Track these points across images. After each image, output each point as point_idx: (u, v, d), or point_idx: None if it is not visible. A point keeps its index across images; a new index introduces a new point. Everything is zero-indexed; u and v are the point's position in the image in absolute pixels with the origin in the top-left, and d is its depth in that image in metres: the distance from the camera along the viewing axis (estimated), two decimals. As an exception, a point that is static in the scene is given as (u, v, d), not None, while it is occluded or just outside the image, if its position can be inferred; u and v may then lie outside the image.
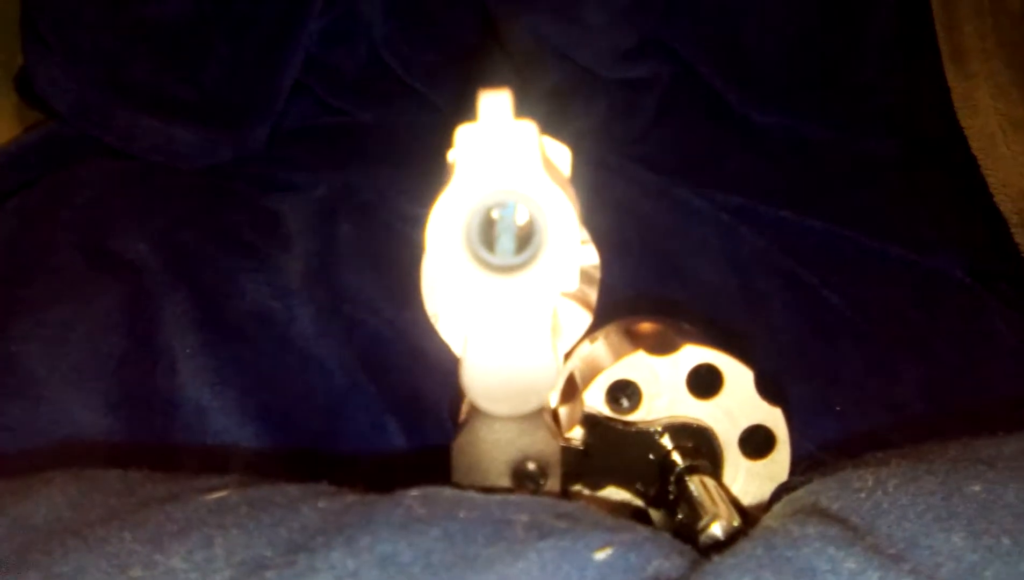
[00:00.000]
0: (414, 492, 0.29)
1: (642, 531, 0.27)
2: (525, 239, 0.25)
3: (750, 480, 0.36)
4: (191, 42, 0.79)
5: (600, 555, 0.24)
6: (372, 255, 0.69)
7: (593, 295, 0.44)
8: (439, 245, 0.24)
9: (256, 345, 0.59)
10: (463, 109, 0.82)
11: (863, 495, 0.28)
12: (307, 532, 0.26)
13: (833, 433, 0.60)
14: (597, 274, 0.44)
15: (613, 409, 0.36)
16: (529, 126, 0.24)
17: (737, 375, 0.36)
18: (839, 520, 0.26)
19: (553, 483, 0.32)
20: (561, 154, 0.30)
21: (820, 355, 0.67)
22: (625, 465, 0.35)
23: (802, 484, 0.35)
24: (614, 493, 0.36)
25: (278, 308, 0.62)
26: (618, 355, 0.36)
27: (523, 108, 0.78)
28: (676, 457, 0.34)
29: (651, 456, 0.35)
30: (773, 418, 0.36)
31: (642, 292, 0.68)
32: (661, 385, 0.36)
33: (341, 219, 0.71)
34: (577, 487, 0.35)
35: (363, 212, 0.72)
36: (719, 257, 0.72)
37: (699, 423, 0.35)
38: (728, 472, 0.36)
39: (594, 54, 0.85)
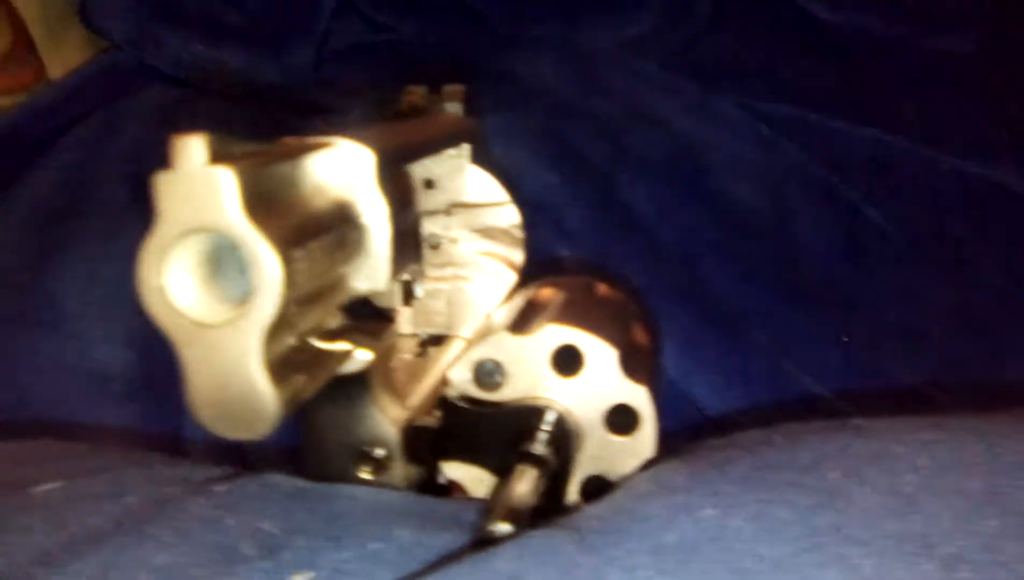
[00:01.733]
0: (251, 487, 0.31)
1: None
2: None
3: (616, 456, 0.37)
4: (236, -36, 0.81)
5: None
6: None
7: (517, 255, 0.45)
8: (147, 293, 0.25)
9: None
10: (512, 19, 0.81)
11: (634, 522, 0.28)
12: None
13: (836, 366, 0.58)
14: (520, 233, 0.45)
15: (481, 386, 0.37)
16: (223, 172, 0.24)
17: (600, 355, 0.36)
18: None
19: (397, 466, 0.34)
20: (361, 160, 0.30)
21: (842, 277, 0.64)
22: (483, 445, 0.36)
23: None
24: (479, 471, 0.37)
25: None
26: (487, 332, 0.37)
27: (569, 17, 0.76)
28: (529, 440, 0.35)
29: (506, 438, 0.36)
30: (637, 397, 0.36)
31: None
32: (524, 363, 0.36)
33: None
34: (447, 463, 0.37)
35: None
36: (752, 174, 0.70)
37: (553, 404, 0.36)
38: (593, 448, 0.36)
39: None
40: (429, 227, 0.44)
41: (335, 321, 0.32)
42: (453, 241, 0.44)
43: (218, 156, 0.25)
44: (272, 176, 0.27)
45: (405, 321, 0.45)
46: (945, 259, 0.66)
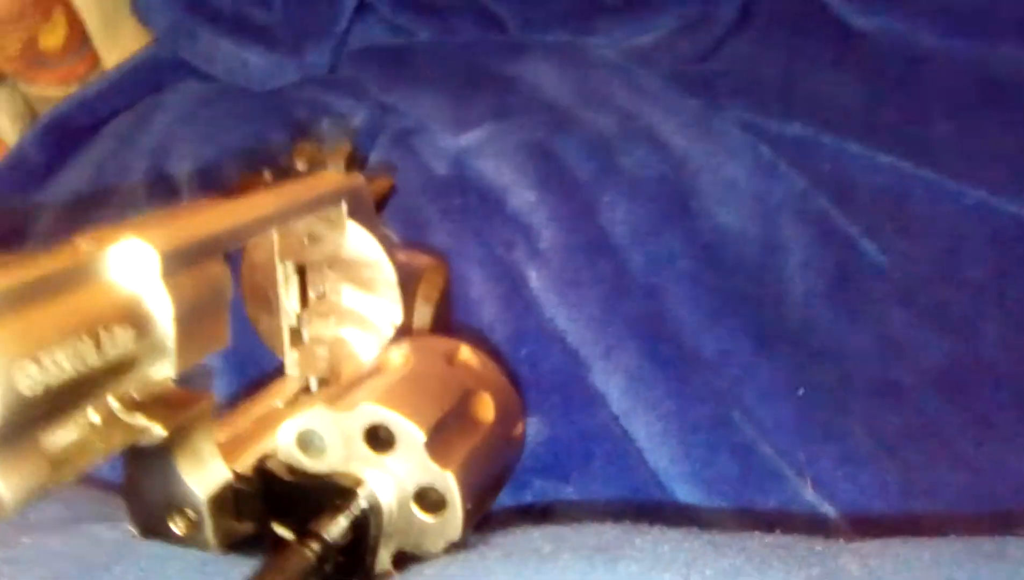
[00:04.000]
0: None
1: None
2: None
3: (425, 535, 0.37)
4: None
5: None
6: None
7: (395, 310, 0.46)
8: None
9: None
10: (527, 23, 0.80)
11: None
12: None
13: (784, 422, 0.56)
14: (395, 291, 0.45)
15: (304, 451, 0.38)
16: None
17: (408, 436, 0.36)
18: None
19: (207, 525, 0.36)
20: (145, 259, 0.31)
21: (822, 324, 0.61)
22: (291, 511, 0.37)
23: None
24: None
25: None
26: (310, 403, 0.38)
27: (583, 20, 0.74)
28: (328, 516, 0.36)
29: (311, 508, 0.37)
30: (443, 481, 0.36)
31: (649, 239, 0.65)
32: (340, 437, 0.37)
33: (373, 148, 0.74)
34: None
35: (396, 141, 0.74)
36: (745, 201, 0.67)
37: (362, 480, 0.36)
38: (404, 523, 0.37)
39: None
40: (313, 278, 0.45)
41: (140, 394, 0.33)
42: (335, 292, 0.45)
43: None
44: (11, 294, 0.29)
45: (292, 363, 0.46)
46: (946, 308, 0.61)
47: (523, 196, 0.66)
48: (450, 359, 0.42)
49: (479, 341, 0.51)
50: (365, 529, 0.36)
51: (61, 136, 0.80)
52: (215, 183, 0.70)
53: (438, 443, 0.36)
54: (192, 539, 0.36)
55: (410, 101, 0.75)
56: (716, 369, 0.58)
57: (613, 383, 0.57)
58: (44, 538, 0.37)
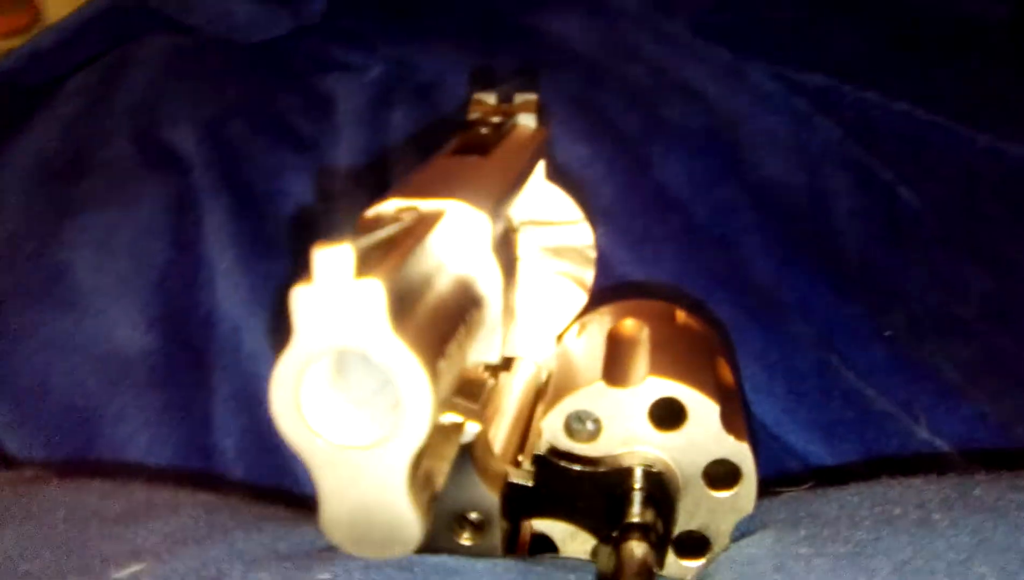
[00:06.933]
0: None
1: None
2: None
3: (713, 511, 0.36)
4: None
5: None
6: (424, 150, 0.67)
7: (588, 275, 0.43)
8: (282, 414, 0.23)
9: (293, 257, 0.59)
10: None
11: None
12: None
13: (881, 361, 0.57)
14: (592, 254, 0.43)
15: (573, 436, 0.35)
16: (373, 284, 0.22)
17: (701, 409, 0.34)
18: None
19: (495, 529, 0.33)
20: (478, 228, 0.28)
21: (883, 264, 0.63)
22: (577, 503, 0.35)
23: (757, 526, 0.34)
24: (568, 529, 0.36)
25: (321, 210, 0.62)
26: (580, 381, 0.35)
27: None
28: (629, 501, 0.34)
29: (603, 496, 0.34)
30: (739, 453, 0.35)
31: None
32: (621, 417, 0.35)
33: (395, 105, 0.69)
34: (533, 522, 0.36)
35: (419, 98, 0.70)
36: (787, 151, 0.68)
37: (655, 461, 0.34)
38: (691, 502, 0.35)
39: None
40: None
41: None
42: (522, 260, 0.42)
43: (361, 264, 0.22)
44: (408, 275, 0.25)
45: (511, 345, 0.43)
46: (980, 244, 0.65)
47: (573, 150, 0.64)
48: (672, 322, 0.41)
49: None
50: (664, 512, 0.35)
51: (13, 95, 0.71)
52: (234, 153, 0.64)
53: (728, 414, 0.35)
54: (478, 547, 0.33)
55: (428, 54, 0.71)
56: (804, 316, 0.58)
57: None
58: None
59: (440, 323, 0.25)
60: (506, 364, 0.42)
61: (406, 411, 0.23)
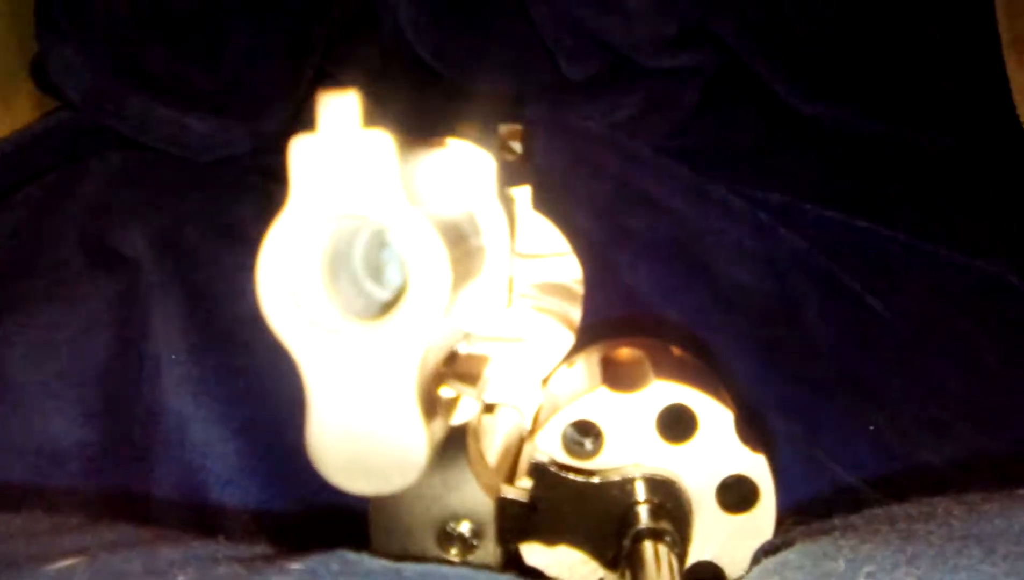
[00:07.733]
0: (333, 564, 0.25)
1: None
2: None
3: (730, 536, 0.32)
4: (209, 29, 0.76)
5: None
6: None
7: (575, 313, 0.40)
8: (268, 289, 0.20)
9: (249, 351, 0.56)
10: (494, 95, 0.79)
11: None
12: None
13: (867, 455, 0.55)
14: (579, 290, 0.40)
15: (572, 453, 0.32)
16: (382, 136, 0.19)
17: (714, 417, 0.31)
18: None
19: (488, 545, 0.28)
20: (482, 166, 0.26)
21: (858, 367, 0.62)
22: (579, 521, 0.31)
23: (783, 547, 0.30)
24: (568, 553, 0.32)
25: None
26: (578, 390, 0.32)
27: (558, 96, 0.73)
28: (636, 515, 0.30)
29: (608, 512, 0.31)
30: (755, 467, 0.31)
31: (666, 296, 0.64)
32: (626, 426, 0.31)
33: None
34: (528, 545, 0.31)
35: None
36: (755, 259, 0.67)
37: (664, 475, 0.31)
38: (703, 527, 0.32)
39: (634, 41, 0.80)
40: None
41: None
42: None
43: (369, 120, 0.20)
44: (414, 160, 0.22)
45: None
46: (953, 350, 0.64)
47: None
48: (669, 352, 0.38)
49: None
50: (680, 531, 0.31)
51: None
52: (186, 255, 0.62)
53: (743, 424, 0.32)
54: (469, 566, 0.29)
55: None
56: (785, 416, 0.56)
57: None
58: None
59: (450, 220, 0.23)
60: (488, 409, 0.39)
61: (418, 282, 0.19)
